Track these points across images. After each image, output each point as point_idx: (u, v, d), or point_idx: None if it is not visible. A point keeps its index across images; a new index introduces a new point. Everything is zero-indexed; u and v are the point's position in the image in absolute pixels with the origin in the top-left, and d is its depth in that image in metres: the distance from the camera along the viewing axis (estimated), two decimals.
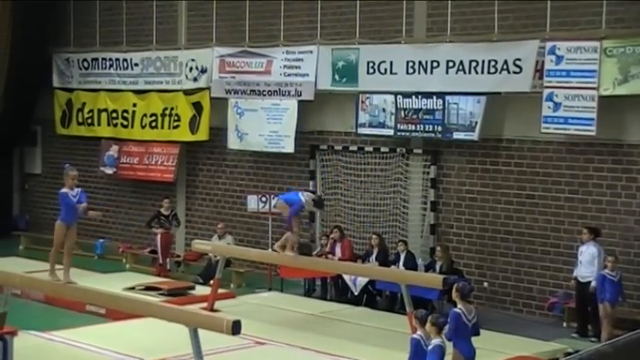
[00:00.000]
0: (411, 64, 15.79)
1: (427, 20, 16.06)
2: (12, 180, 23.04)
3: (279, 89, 17.65)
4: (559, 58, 14.14)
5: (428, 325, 9.33)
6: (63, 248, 14.45)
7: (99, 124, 20.89)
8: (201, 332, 9.28)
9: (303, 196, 13.52)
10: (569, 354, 11.26)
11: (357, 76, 16.51)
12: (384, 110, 16.24)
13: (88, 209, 15.00)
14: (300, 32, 17.64)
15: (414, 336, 9.39)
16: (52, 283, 13.56)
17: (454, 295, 9.85)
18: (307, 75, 17.21)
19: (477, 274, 15.43)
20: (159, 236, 17.86)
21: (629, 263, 13.92)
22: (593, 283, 13.27)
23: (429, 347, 9.20)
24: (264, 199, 17.11)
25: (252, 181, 18.58)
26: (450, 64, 15.30)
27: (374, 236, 15.76)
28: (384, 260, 15.32)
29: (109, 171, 20.66)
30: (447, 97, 15.36)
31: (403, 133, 16.06)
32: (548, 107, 14.26)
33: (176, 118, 19.41)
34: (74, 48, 21.32)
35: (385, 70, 16.16)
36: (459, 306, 9.74)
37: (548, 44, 14.26)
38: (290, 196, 13.79)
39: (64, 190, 14.33)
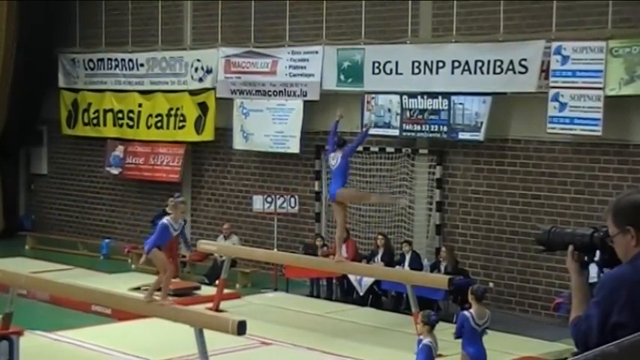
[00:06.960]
0: (416, 64, 15.77)
1: (433, 20, 16.04)
2: (18, 180, 23.05)
3: (285, 89, 17.64)
4: (565, 58, 14.11)
5: (420, 325, 9.37)
6: None
7: (104, 125, 20.90)
8: (206, 332, 9.31)
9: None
10: (576, 354, 11.22)
11: (362, 77, 16.49)
12: (389, 110, 16.23)
13: None
14: (305, 32, 17.63)
15: (425, 342, 9.36)
16: (58, 283, 13.56)
17: (470, 297, 9.93)
18: (313, 75, 17.20)
19: (482, 275, 15.41)
20: None
21: None
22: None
23: (419, 346, 9.26)
24: (269, 199, 17.09)
25: (258, 181, 18.57)
26: (456, 64, 15.27)
27: (379, 236, 15.73)
28: (390, 260, 15.30)
29: (115, 171, 20.67)
30: (453, 98, 15.34)
31: (409, 134, 16.04)
32: (554, 107, 14.23)
33: (181, 118, 19.42)
34: (80, 48, 21.35)
35: (391, 70, 16.14)
36: (471, 309, 9.77)
37: (554, 44, 14.23)
38: None
39: None
